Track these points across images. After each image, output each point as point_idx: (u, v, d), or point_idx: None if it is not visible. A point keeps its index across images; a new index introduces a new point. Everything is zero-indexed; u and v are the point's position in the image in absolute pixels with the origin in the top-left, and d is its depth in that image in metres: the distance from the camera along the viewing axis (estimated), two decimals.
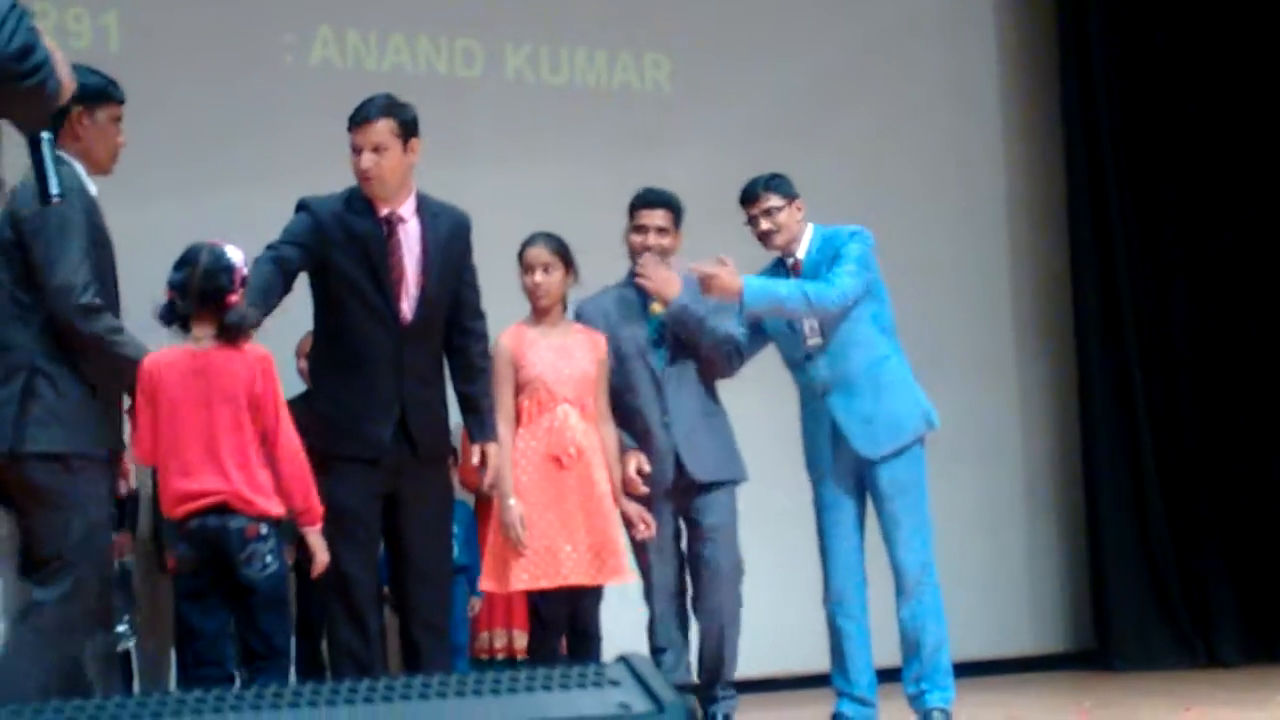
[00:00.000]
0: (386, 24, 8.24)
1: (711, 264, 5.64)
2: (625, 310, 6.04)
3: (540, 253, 5.76)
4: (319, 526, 5.08)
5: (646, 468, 5.79)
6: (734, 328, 5.98)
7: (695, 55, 8.82)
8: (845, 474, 5.84)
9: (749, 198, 5.94)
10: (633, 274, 5.98)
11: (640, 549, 5.90)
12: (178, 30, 7.71)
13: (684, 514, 5.98)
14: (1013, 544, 9.24)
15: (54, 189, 3.19)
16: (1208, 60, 9.41)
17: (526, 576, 5.54)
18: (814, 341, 5.85)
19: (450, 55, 8.37)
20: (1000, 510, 9.17)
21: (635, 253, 5.98)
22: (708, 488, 5.96)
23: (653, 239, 5.95)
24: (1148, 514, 9.10)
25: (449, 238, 5.45)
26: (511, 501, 5.54)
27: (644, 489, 5.78)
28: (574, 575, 5.55)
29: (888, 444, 5.78)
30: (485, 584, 5.79)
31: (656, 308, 5.94)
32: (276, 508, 5.01)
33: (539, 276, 5.74)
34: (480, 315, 5.56)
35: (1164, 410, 9.23)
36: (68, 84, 3.09)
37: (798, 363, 5.94)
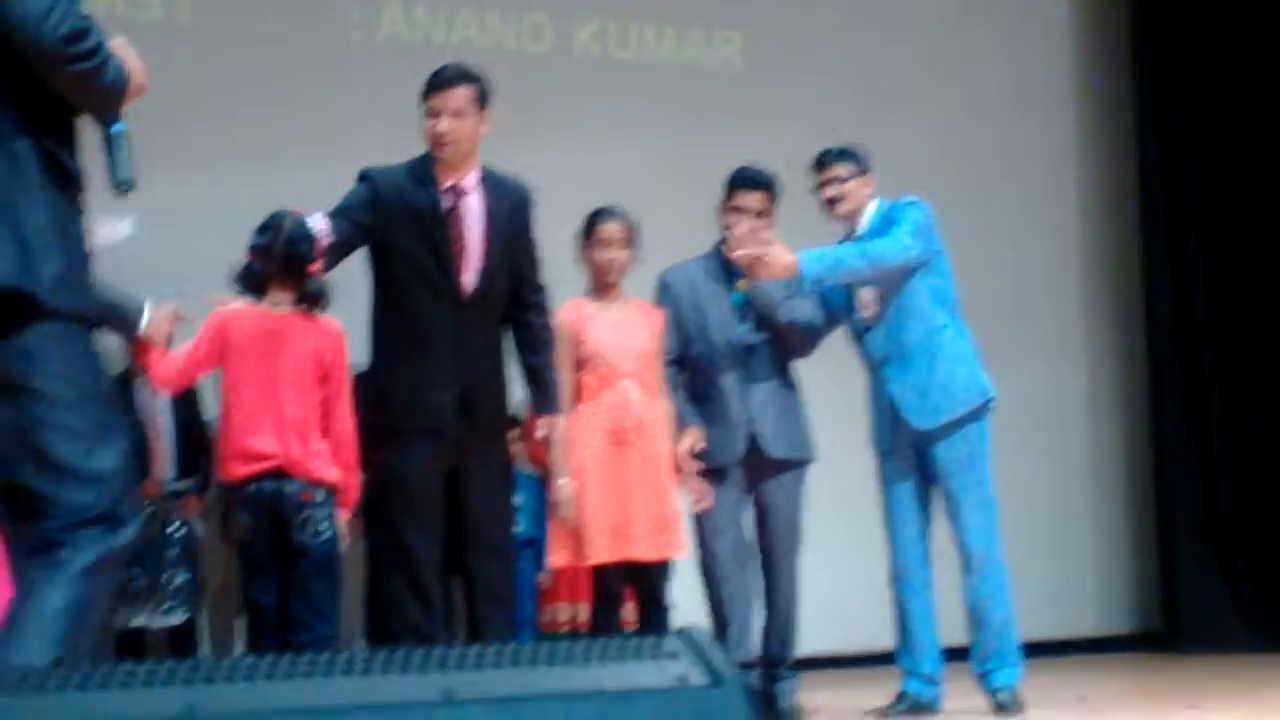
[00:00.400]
0: None
1: (759, 246, 5.58)
2: (712, 281, 6.00)
3: (615, 228, 5.72)
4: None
5: (700, 445, 5.76)
6: (812, 310, 5.95)
7: (767, 32, 8.78)
8: (906, 450, 5.81)
9: (819, 165, 5.93)
10: (719, 245, 5.92)
11: (705, 524, 5.87)
12: (248, 2, 7.73)
13: (752, 490, 5.95)
14: (1081, 525, 9.18)
15: (122, 176, 3.20)
16: None
17: (594, 550, 5.52)
18: (867, 313, 5.82)
19: (519, 30, 8.36)
20: (1069, 491, 9.13)
21: (728, 228, 5.88)
22: (778, 467, 5.94)
23: (750, 222, 5.84)
24: (1217, 496, 9.05)
25: (511, 210, 5.40)
26: (562, 480, 5.51)
27: (695, 466, 5.75)
28: (636, 549, 5.53)
29: (941, 414, 5.73)
30: (555, 558, 5.74)
31: (743, 283, 5.89)
32: (333, 474, 5.04)
33: (614, 252, 5.71)
34: (541, 288, 5.51)
35: (1235, 394, 9.16)
36: (138, 75, 3.10)
37: (858, 335, 5.91)
